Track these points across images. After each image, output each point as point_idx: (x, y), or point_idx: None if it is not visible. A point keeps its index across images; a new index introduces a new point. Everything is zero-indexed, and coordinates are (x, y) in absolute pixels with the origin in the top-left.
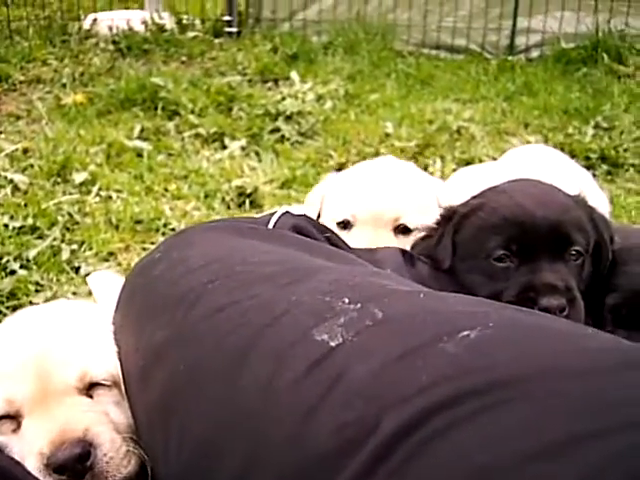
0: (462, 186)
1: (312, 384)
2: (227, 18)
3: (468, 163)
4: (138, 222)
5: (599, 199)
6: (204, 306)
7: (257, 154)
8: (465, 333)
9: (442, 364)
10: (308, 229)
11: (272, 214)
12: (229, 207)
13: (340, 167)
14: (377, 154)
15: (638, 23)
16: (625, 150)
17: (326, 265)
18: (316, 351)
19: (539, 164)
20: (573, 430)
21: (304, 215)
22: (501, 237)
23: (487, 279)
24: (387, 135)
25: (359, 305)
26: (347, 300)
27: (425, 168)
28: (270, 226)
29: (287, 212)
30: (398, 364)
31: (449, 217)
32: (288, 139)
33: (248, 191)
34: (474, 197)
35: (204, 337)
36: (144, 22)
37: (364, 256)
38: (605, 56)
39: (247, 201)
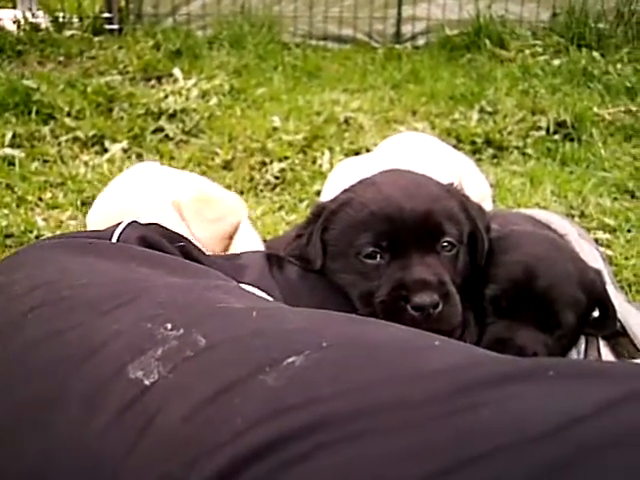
0: (339, 179)
1: (121, 432)
2: (107, 15)
3: (357, 153)
4: (8, 236)
5: (480, 184)
6: (20, 341)
7: (139, 156)
8: (291, 360)
9: (260, 401)
10: (156, 239)
11: (118, 225)
12: None
13: (226, 164)
14: (264, 149)
15: (517, 9)
16: (509, 133)
17: (162, 282)
18: (129, 392)
19: (416, 152)
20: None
21: (154, 224)
22: (370, 233)
23: (359, 277)
24: (275, 129)
25: (182, 331)
26: (170, 325)
27: (314, 161)
28: (114, 239)
29: (134, 222)
30: (213, 404)
31: (318, 214)
32: (172, 138)
33: None
34: (344, 191)
35: (16, 380)
36: (16, 21)
37: (224, 263)
38: (487, 42)
39: None
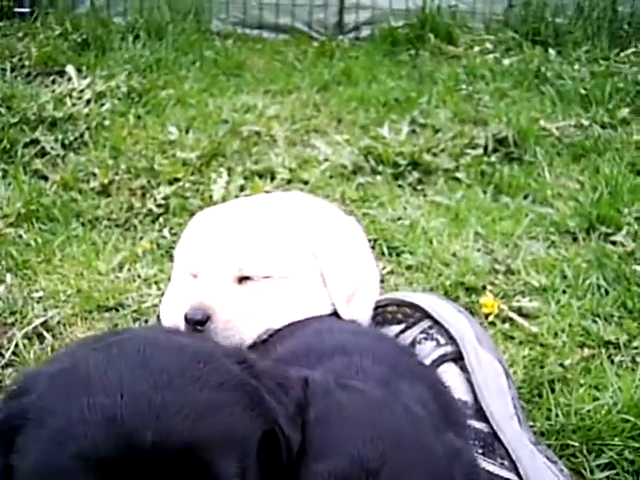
0: (191, 241)
1: None
2: None
3: (261, 176)
4: None
5: (349, 272)
6: None
7: (4, 175)
8: None
9: None
10: None
11: None
12: None
13: (103, 189)
14: (152, 169)
15: None
16: (442, 151)
17: None
18: None
19: (270, 223)
20: None
21: None
22: None
23: None
24: (171, 142)
25: None
26: None
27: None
28: None
29: None
30: None
31: None
32: (48, 153)
33: None
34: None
35: None
36: None
37: None
38: (432, 36)
39: None
